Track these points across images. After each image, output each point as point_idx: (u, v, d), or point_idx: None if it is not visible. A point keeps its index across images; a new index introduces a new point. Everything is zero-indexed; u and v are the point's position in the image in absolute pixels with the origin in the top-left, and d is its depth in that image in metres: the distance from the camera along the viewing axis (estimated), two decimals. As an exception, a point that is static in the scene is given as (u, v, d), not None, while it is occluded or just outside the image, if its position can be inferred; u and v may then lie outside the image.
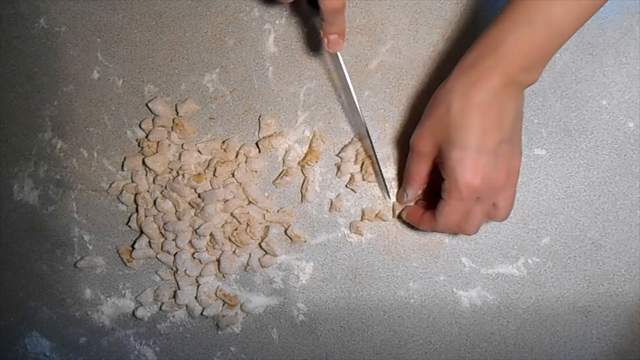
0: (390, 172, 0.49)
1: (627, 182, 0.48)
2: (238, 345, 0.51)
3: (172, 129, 0.50)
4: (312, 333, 0.51)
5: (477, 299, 0.50)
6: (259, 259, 0.50)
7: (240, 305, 0.51)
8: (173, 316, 0.52)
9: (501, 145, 0.39)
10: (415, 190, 0.45)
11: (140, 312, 0.51)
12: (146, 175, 0.50)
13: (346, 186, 0.49)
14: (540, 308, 0.49)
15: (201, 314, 0.51)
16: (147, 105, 0.50)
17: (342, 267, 0.50)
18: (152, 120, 0.50)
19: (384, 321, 0.50)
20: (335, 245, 0.50)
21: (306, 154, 0.49)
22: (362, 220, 0.49)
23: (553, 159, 0.48)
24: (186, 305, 0.51)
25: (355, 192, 0.49)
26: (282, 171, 0.49)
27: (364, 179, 0.49)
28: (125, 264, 0.51)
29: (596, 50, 0.48)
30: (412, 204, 0.48)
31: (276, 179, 0.49)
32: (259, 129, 0.50)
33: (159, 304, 0.51)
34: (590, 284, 0.49)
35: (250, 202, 0.49)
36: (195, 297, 0.51)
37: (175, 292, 0.51)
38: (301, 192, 0.49)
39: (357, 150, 0.49)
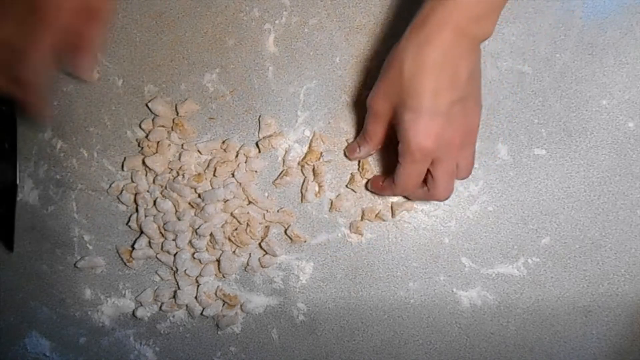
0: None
1: (627, 182, 0.48)
2: (238, 345, 0.51)
3: (172, 129, 0.50)
4: (312, 333, 0.51)
5: (477, 299, 0.50)
6: (259, 259, 0.50)
7: (240, 305, 0.51)
8: (173, 316, 0.52)
9: (455, 105, 0.39)
10: (369, 149, 0.46)
11: (140, 312, 0.51)
12: (146, 175, 0.50)
13: (346, 186, 0.49)
14: (540, 308, 0.49)
15: (201, 314, 0.51)
16: (147, 105, 0.50)
17: (342, 267, 0.50)
18: (152, 120, 0.50)
19: (384, 321, 0.50)
20: (335, 245, 0.50)
21: (306, 154, 0.49)
22: (362, 220, 0.49)
23: (553, 159, 0.48)
24: (186, 305, 0.51)
25: (355, 192, 0.49)
26: (282, 171, 0.49)
27: (362, 177, 0.49)
28: (125, 264, 0.51)
29: (596, 50, 0.48)
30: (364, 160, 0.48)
31: (276, 179, 0.49)
32: (259, 129, 0.50)
33: (159, 304, 0.51)
34: (590, 284, 0.49)
35: (250, 202, 0.49)
36: (195, 297, 0.51)
37: (175, 292, 0.51)
38: (301, 192, 0.49)
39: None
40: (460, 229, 0.49)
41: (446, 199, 0.43)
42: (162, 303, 0.51)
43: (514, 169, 0.49)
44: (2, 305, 0.53)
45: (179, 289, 0.51)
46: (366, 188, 0.49)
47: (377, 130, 0.44)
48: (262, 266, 0.50)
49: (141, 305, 0.52)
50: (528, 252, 0.49)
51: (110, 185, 0.51)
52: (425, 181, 0.43)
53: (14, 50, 0.38)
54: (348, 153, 0.48)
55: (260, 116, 0.50)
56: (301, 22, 0.49)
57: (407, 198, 0.49)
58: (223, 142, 0.50)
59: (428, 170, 0.42)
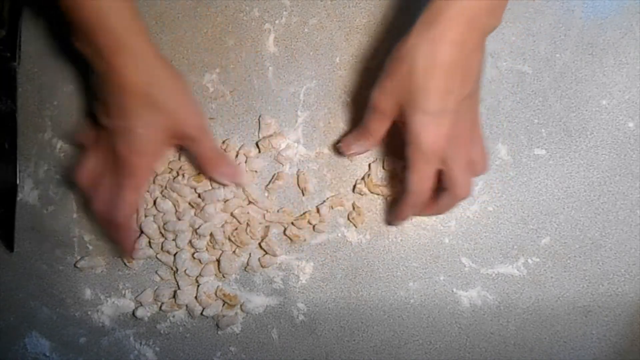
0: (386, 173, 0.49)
1: (627, 182, 0.48)
2: (238, 345, 0.52)
3: (172, 129, 0.50)
4: (312, 333, 0.51)
5: (477, 299, 0.50)
6: (259, 259, 0.50)
7: (240, 305, 0.51)
8: (173, 316, 0.52)
9: (464, 101, 0.38)
10: (367, 146, 0.44)
11: (140, 312, 0.51)
12: (146, 175, 0.50)
13: (353, 191, 0.49)
14: (540, 308, 0.49)
15: (201, 314, 0.51)
16: (147, 105, 0.50)
17: (342, 267, 0.50)
18: (152, 120, 0.50)
19: (384, 321, 0.50)
20: (335, 245, 0.50)
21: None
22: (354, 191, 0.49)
23: (553, 159, 0.49)
24: (186, 305, 0.51)
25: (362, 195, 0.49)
26: (274, 175, 0.49)
27: (366, 186, 0.49)
28: (125, 264, 0.51)
29: (596, 50, 0.48)
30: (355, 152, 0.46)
31: (268, 184, 0.49)
32: (259, 129, 0.50)
33: (159, 304, 0.51)
34: (590, 284, 0.49)
35: (250, 202, 0.49)
36: (195, 297, 0.51)
37: (175, 292, 0.51)
38: (300, 186, 0.49)
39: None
40: (460, 229, 0.49)
41: (468, 195, 0.42)
42: (162, 303, 0.51)
43: (514, 169, 0.49)
44: (2, 305, 0.53)
45: (179, 289, 0.51)
46: (388, 223, 0.49)
47: (379, 128, 0.42)
48: (262, 266, 0.50)
49: (141, 305, 0.52)
50: (528, 252, 0.49)
51: (110, 185, 0.51)
52: (441, 188, 0.42)
53: (111, 198, 0.44)
54: (343, 148, 0.46)
55: (260, 116, 0.50)
56: (301, 22, 0.49)
57: (427, 215, 0.48)
58: (223, 142, 0.50)
59: (442, 174, 0.41)
